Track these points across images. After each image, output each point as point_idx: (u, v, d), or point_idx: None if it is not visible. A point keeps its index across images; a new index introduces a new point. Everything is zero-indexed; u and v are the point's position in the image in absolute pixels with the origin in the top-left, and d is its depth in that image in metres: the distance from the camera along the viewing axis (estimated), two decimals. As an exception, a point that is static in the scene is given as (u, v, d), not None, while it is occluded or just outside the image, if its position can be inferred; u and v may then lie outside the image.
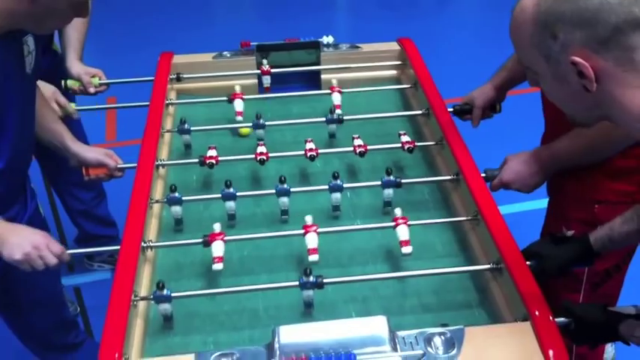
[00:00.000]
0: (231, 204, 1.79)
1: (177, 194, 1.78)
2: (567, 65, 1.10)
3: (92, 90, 2.35)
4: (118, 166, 1.98)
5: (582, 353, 1.96)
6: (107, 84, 2.38)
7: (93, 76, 2.36)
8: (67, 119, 2.22)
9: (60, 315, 2.20)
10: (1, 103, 1.60)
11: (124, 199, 1.74)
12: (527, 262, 1.50)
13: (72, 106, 2.23)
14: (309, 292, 1.51)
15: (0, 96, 1.59)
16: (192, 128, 2.07)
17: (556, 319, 1.37)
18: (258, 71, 2.34)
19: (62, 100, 2.20)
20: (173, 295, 1.49)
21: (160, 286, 1.49)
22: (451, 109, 2.08)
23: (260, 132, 2.08)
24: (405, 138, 1.99)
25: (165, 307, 1.50)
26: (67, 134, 1.96)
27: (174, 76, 2.32)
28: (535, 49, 1.15)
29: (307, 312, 1.54)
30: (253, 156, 1.92)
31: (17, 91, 1.65)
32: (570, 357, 1.93)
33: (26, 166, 1.85)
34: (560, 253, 1.52)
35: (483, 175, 1.83)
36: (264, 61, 2.34)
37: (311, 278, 1.50)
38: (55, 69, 2.44)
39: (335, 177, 1.80)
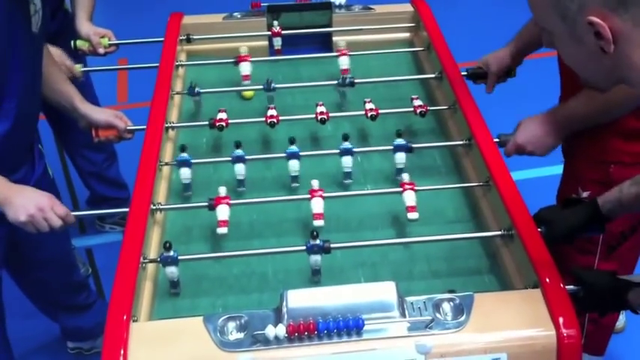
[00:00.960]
0: (240, 167, 1.78)
1: (186, 155, 1.77)
2: (584, 26, 1.07)
3: (101, 50, 2.33)
4: (128, 127, 1.97)
5: (595, 318, 1.95)
6: (116, 45, 2.36)
7: (102, 37, 2.33)
8: (78, 80, 2.21)
9: (70, 275, 2.22)
10: (6, 61, 1.58)
11: (135, 162, 1.74)
12: (538, 229, 1.49)
13: (77, 68, 2.22)
14: (317, 258, 1.50)
15: (5, 54, 1.57)
16: (201, 90, 2.05)
17: (567, 287, 1.36)
18: (269, 33, 2.30)
19: (68, 62, 2.19)
20: (180, 257, 1.49)
21: (167, 246, 1.48)
22: (465, 73, 2.05)
23: (270, 95, 2.05)
24: (418, 102, 1.96)
25: (172, 270, 1.49)
26: (76, 95, 1.95)
27: (184, 37, 2.29)
28: (551, 9, 1.11)
29: (314, 279, 1.53)
30: (264, 119, 1.90)
31: (23, 50, 1.64)
32: (583, 322, 1.93)
33: (33, 126, 1.84)
34: (568, 217, 1.50)
35: (497, 140, 1.81)
36: (275, 23, 2.31)
37: (317, 242, 1.49)
38: (65, 29, 2.42)
39: (345, 139, 1.78)
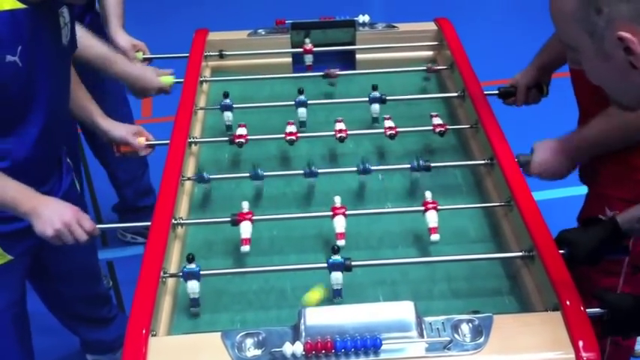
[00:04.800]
0: (260, 183, 1.78)
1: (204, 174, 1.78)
2: (613, 41, 1.05)
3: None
4: (147, 143, 1.98)
5: (617, 340, 1.93)
6: (150, 59, 2.36)
7: (137, 51, 2.34)
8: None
9: (94, 288, 2.23)
10: (34, 72, 1.60)
11: (155, 179, 1.75)
12: (560, 251, 1.47)
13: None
14: (338, 276, 1.48)
15: (33, 65, 1.59)
16: (228, 103, 2.07)
17: (589, 310, 1.34)
18: (293, 50, 2.32)
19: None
20: (202, 272, 1.49)
21: (190, 258, 1.48)
22: (496, 92, 2.05)
23: (302, 110, 2.04)
24: (437, 120, 1.95)
25: (193, 286, 1.48)
26: (96, 111, 1.98)
27: (216, 53, 2.31)
28: (577, 25, 1.09)
29: (335, 300, 1.50)
30: (283, 135, 1.91)
31: (51, 62, 1.66)
32: (604, 344, 1.90)
33: (61, 138, 1.86)
34: (589, 237, 1.48)
35: (517, 160, 1.80)
36: (307, 40, 2.32)
37: (338, 257, 1.48)
38: (95, 30, 2.42)
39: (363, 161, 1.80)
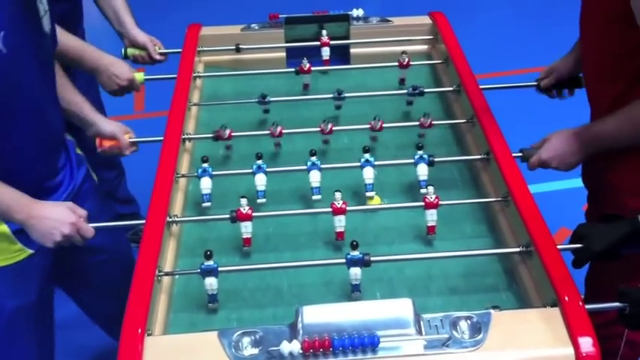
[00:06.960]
0: (260, 178, 1.76)
1: (207, 165, 1.76)
2: None
3: (159, 57, 2.31)
4: (134, 140, 1.95)
5: (632, 339, 1.91)
6: (165, 54, 2.34)
7: (154, 45, 2.32)
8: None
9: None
10: (18, 59, 1.56)
11: (147, 176, 1.73)
12: (576, 245, 1.46)
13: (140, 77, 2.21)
14: (357, 272, 1.48)
15: (17, 52, 1.55)
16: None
17: (611, 304, 1.34)
18: (287, 44, 2.31)
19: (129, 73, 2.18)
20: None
21: (208, 254, 1.47)
22: (535, 83, 2.05)
23: (338, 103, 2.05)
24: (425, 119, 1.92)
25: (212, 282, 1.47)
26: (85, 104, 1.94)
27: (208, 49, 2.29)
28: None
29: (354, 296, 1.51)
30: (269, 132, 1.89)
31: (35, 50, 1.62)
32: (619, 344, 1.88)
33: (58, 128, 1.81)
34: (607, 231, 1.46)
35: (520, 154, 1.79)
36: (324, 32, 2.29)
37: (357, 253, 1.47)
38: (68, 15, 2.34)
39: (365, 151, 1.77)
